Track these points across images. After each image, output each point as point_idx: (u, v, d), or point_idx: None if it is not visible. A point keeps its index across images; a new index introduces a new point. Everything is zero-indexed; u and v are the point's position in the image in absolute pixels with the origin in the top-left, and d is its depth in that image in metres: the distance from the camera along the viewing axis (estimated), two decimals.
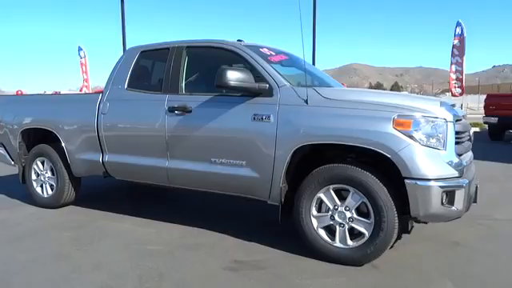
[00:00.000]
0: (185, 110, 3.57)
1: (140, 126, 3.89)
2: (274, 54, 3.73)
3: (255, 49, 3.59)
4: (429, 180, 2.70)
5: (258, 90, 3.23)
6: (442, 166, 2.77)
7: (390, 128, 2.77)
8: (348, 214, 2.95)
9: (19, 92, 11.80)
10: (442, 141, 2.81)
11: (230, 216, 4.35)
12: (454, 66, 15.49)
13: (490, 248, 3.40)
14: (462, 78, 15.58)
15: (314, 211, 3.08)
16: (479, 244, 3.48)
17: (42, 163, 4.74)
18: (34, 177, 4.81)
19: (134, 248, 3.42)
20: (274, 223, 3.43)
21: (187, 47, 3.81)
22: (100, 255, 3.29)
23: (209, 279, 2.84)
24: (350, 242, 2.97)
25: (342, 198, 3.00)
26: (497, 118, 11.41)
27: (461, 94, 15.95)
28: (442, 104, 2.94)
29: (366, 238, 2.90)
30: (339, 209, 2.98)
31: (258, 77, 3.29)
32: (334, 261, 3.00)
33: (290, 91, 3.19)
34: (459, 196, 2.78)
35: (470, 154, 3.34)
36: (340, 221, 2.98)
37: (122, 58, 4.21)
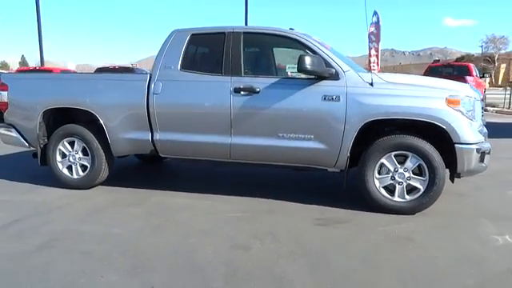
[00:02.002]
0: (252, 91, 3.95)
1: (201, 106, 4.13)
2: (322, 42, 4.28)
3: (310, 37, 4.11)
4: (471, 144, 3.61)
5: (328, 74, 3.79)
6: (476, 133, 3.70)
7: (444, 105, 3.59)
8: (407, 174, 3.74)
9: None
10: (475, 114, 3.74)
11: (265, 185, 4.88)
12: (372, 51, 17.40)
13: (483, 194, 4.56)
14: (378, 62, 17.59)
15: (376, 174, 3.80)
16: (474, 193, 4.59)
17: (71, 144, 4.65)
18: (59, 158, 4.70)
19: (216, 217, 3.75)
20: (317, 188, 4.05)
21: (245, 33, 4.15)
22: (194, 224, 3.57)
23: (312, 231, 3.39)
24: (407, 196, 3.76)
25: (399, 162, 3.77)
26: None
27: None
28: (471, 87, 3.86)
29: (421, 192, 3.72)
30: (399, 170, 3.74)
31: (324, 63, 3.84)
32: (395, 212, 3.77)
33: (355, 75, 3.81)
34: (487, 156, 3.74)
35: None
36: (400, 180, 3.75)
37: (168, 40, 4.34)
